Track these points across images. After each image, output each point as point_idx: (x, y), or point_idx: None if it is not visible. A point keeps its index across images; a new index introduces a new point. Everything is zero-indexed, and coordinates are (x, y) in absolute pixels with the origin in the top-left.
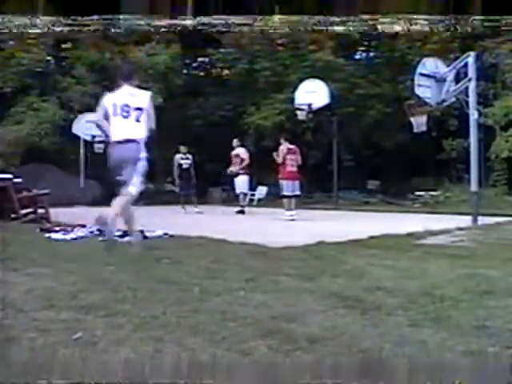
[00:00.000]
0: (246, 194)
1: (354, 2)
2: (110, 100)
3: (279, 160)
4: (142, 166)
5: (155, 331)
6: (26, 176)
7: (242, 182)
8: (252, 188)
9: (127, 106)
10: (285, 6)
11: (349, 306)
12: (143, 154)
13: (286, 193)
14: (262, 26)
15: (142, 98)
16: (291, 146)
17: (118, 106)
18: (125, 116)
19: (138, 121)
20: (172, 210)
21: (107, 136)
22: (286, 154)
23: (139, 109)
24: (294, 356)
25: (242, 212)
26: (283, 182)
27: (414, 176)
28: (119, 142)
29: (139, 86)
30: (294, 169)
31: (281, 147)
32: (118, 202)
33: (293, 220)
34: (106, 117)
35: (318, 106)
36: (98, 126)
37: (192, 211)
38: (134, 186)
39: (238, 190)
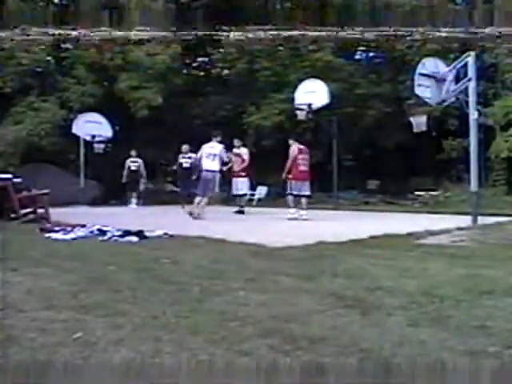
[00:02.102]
0: (245, 195)
1: None
2: (204, 149)
3: (289, 161)
4: (216, 182)
5: (155, 331)
6: (26, 176)
7: (241, 184)
8: (252, 188)
9: (211, 153)
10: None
11: (349, 306)
12: (217, 177)
13: (294, 192)
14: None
15: (218, 149)
16: (301, 146)
17: (208, 154)
18: (211, 159)
19: (213, 160)
20: (172, 210)
21: (200, 168)
22: (298, 153)
23: (215, 155)
24: (294, 356)
25: (241, 212)
26: (293, 182)
27: (414, 176)
28: (207, 171)
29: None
30: (306, 168)
31: (292, 147)
32: (201, 201)
33: (305, 219)
34: (201, 157)
35: (317, 106)
36: (198, 161)
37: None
38: (212, 192)
39: (236, 191)
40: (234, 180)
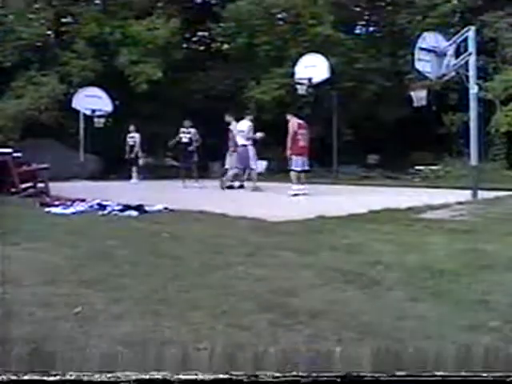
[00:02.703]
0: (244, 169)
1: None
2: (235, 126)
3: (289, 137)
4: (250, 155)
5: (155, 306)
6: (26, 150)
7: (229, 159)
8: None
9: (241, 130)
10: None
11: (348, 281)
12: (250, 151)
13: (296, 167)
14: None
15: (245, 126)
16: (301, 121)
17: (238, 130)
18: (241, 135)
19: (242, 136)
20: (172, 185)
21: (235, 143)
22: (297, 128)
23: (242, 131)
24: (294, 330)
25: (230, 187)
26: (293, 157)
27: (414, 150)
28: (241, 146)
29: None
30: (305, 144)
31: (291, 122)
32: (234, 174)
33: (305, 194)
34: (234, 135)
35: (317, 81)
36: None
37: (192, 185)
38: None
39: (228, 166)
40: (230, 156)
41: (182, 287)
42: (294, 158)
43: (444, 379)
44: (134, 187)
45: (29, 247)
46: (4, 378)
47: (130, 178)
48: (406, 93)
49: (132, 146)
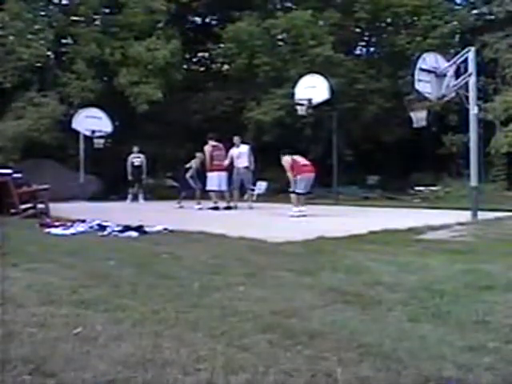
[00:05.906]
0: (213, 191)
1: None
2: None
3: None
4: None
5: (155, 326)
6: (26, 171)
7: (209, 179)
8: (252, 183)
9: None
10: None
11: (348, 301)
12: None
13: (299, 190)
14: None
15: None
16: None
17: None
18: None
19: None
20: (171, 205)
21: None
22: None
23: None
24: (293, 351)
25: (215, 208)
26: (298, 179)
27: (414, 171)
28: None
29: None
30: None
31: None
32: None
33: (305, 216)
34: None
35: (317, 101)
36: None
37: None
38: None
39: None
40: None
41: (181, 308)
42: (298, 179)
43: None
44: (134, 208)
45: (29, 268)
46: None
47: (134, 198)
48: (406, 114)
49: (137, 167)
